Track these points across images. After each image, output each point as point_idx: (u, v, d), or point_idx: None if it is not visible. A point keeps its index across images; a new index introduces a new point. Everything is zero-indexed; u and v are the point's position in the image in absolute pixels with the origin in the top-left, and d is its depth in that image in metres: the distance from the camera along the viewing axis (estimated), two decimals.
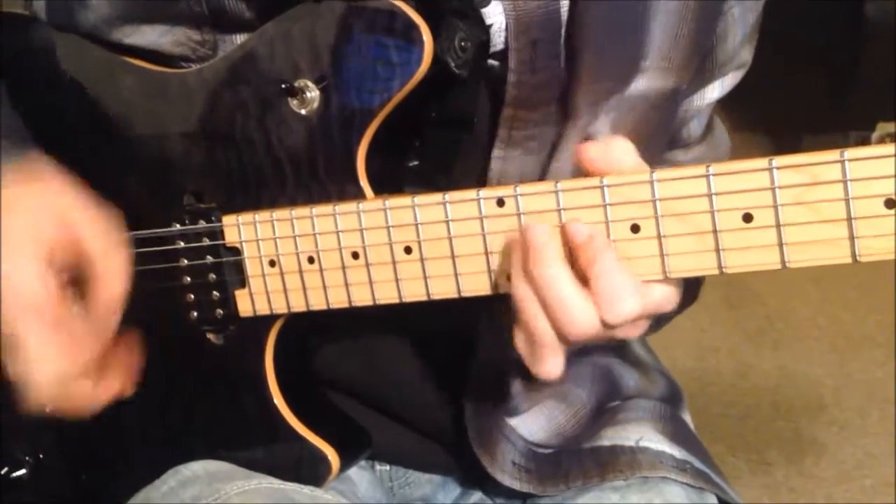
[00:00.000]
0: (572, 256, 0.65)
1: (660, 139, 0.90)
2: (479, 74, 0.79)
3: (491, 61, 0.79)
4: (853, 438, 2.28)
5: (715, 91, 0.92)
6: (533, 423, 0.91)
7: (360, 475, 0.94)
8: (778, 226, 0.58)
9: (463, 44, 0.73)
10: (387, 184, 0.76)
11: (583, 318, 0.63)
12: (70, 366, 0.72)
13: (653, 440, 0.90)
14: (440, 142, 0.80)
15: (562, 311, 0.64)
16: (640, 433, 0.91)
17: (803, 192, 0.57)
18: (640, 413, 0.94)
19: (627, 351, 1.04)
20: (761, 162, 0.58)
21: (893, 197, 0.55)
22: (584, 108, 0.79)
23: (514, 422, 0.90)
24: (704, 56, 0.87)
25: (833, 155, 0.56)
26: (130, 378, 0.79)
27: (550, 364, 0.66)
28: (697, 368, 2.56)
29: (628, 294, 0.63)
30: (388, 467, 0.97)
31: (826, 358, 2.58)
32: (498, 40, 0.78)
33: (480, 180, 0.81)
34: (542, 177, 0.81)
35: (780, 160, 0.57)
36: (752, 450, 2.25)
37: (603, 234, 0.64)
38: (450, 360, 0.91)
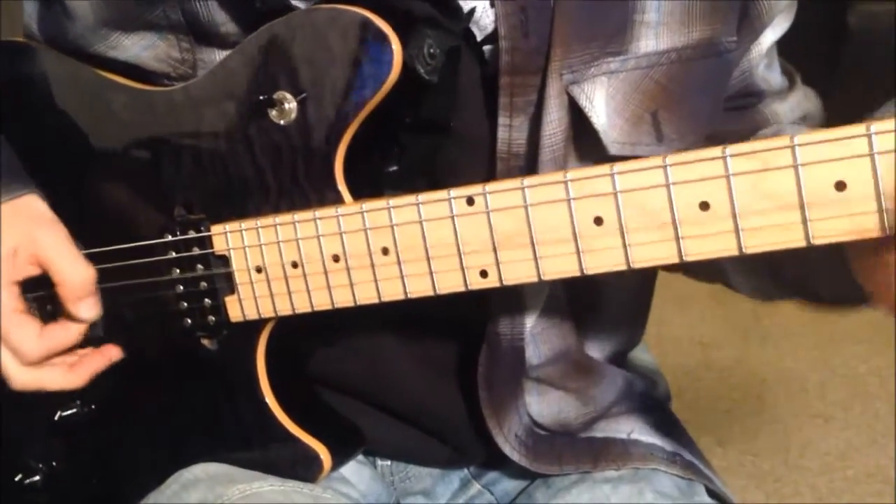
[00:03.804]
0: None
1: (702, 94, 0.84)
2: (451, 81, 0.78)
3: (485, 47, 0.78)
4: (836, 431, 2.27)
5: (768, 37, 0.87)
6: (545, 408, 0.90)
7: (362, 470, 0.93)
8: (734, 212, 0.57)
9: (432, 51, 0.73)
10: (367, 189, 0.76)
11: None
12: (17, 363, 0.80)
13: (644, 433, 0.89)
14: (417, 147, 0.80)
15: None
16: (631, 426, 0.90)
17: (757, 179, 0.56)
18: (632, 407, 0.93)
19: (638, 361, 1.03)
20: (715, 151, 0.57)
21: (843, 179, 0.54)
22: (562, 69, 0.76)
23: (529, 398, 0.89)
24: (747, 4, 0.82)
25: (783, 141, 0.55)
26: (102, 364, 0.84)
27: None
28: (687, 363, 2.55)
29: None
30: (388, 462, 0.96)
31: (811, 353, 2.57)
32: (486, 21, 0.77)
33: (491, 161, 0.80)
34: (536, 142, 0.78)
35: (733, 148, 0.56)
36: (739, 442, 2.24)
37: None
38: (447, 354, 0.90)
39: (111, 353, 0.84)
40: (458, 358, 0.89)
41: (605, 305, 0.94)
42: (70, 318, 0.80)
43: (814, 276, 0.74)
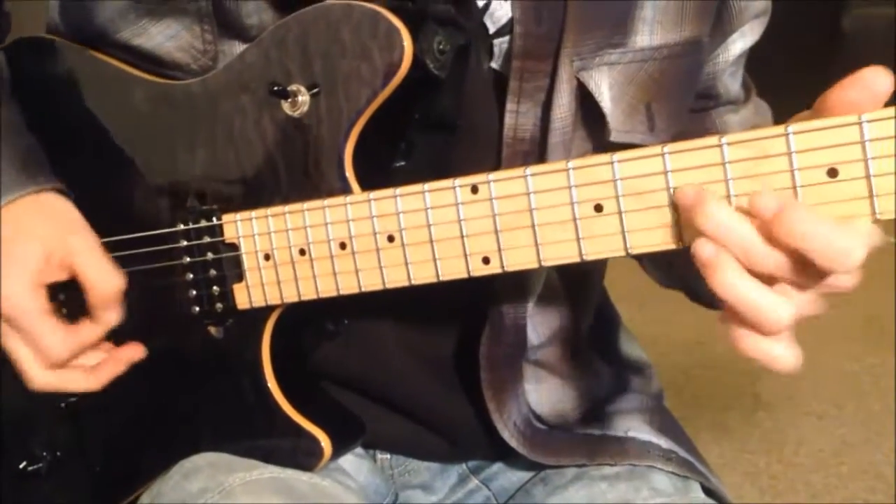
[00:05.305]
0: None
1: (686, 90, 0.88)
2: (459, 78, 0.79)
3: (496, 40, 0.80)
4: (830, 428, 2.28)
5: (737, 44, 0.90)
6: (544, 396, 0.91)
7: (361, 463, 0.93)
8: (729, 198, 0.58)
9: (441, 46, 0.74)
10: (375, 184, 0.77)
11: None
12: (41, 365, 0.80)
13: (640, 431, 0.91)
14: (424, 143, 0.81)
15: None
16: (628, 425, 0.91)
17: (752, 166, 0.57)
18: (629, 405, 0.95)
19: (631, 355, 1.04)
20: (712, 139, 0.58)
21: (835, 166, 0.55)
22: (573, 55, 0.79)
23: (529, 386, 0.90)
24: (721, 5, 0.86)
25: (778, 129, 0.56)
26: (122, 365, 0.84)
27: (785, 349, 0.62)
28: (683, 362, 2.56)
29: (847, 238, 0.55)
30: (388, 456, 0.97)
31: (804, 352, 2.54)
32: (500, 13, 0.79)
33: (498, 154, 0.82)
34: (545, 127, 0.81)
35: (730, 137, 0.57)
36: (735, 439, 2.25)
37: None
38: (447, 347, 0.91)
39: (132, 355, 0.84)
40: (458, 350, 0.90)
41: (590, 286, 0.96)
42: (95, 321, 0.81)
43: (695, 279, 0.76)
